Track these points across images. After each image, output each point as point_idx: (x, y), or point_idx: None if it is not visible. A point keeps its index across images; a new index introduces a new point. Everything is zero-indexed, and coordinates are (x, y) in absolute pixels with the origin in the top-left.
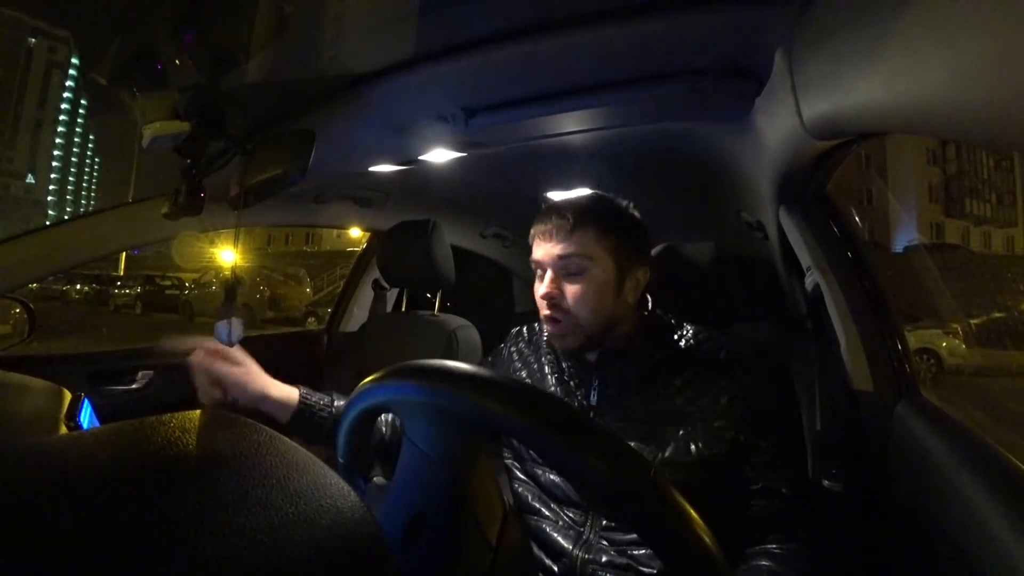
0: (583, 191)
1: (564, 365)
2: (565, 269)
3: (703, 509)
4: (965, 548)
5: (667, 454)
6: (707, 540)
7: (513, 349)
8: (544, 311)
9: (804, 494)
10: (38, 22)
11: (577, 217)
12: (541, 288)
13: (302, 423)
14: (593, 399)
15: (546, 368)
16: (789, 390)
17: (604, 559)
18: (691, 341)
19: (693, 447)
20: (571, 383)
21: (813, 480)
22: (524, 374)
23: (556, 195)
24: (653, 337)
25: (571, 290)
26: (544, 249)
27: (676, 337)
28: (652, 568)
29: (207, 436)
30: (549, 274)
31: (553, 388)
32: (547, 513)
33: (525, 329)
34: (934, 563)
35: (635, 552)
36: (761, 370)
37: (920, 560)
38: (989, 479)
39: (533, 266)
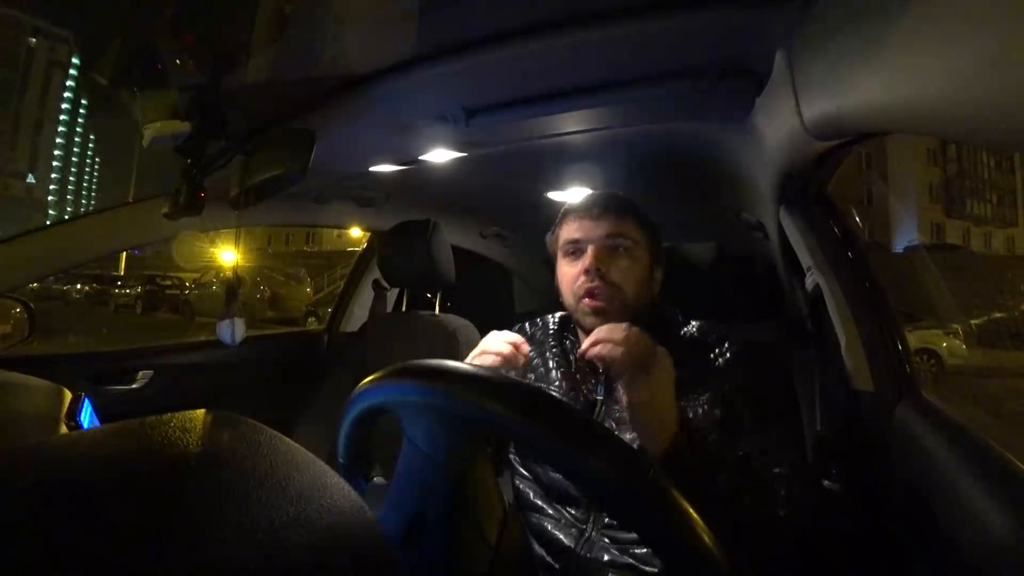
0: (584, 191)
1: (571, 358)
2: (611, 247)
3: (706, 500)
4: (965, 548)
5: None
6: (707, 540)
7: None
8: (585, 285)
9: (804, 478)
10: (38, 22)
11: (621, 206)
12: (582, 263)
13: None
14: (600, 392)
15: (550, 363)
16: (788, 388)
17: (605, 557)
18: (694, 334)
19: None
20: (577, 376)
21: (813, 480)
22: (531, 375)
23: (556, 195)
24: (660, 331)
25: (617, 265)
26: (587, 228)
27: (682, 332)
28: (653, 567)
29: (207, 436)
30: (592, 249)
31: (558, 382)
32: (549, 511)
33: (528, 325)
34: (934, 563)
35: (636, 551)
36: (761, 364)
37: (920, 560)
38: (989, 479)
39: (567, 247)
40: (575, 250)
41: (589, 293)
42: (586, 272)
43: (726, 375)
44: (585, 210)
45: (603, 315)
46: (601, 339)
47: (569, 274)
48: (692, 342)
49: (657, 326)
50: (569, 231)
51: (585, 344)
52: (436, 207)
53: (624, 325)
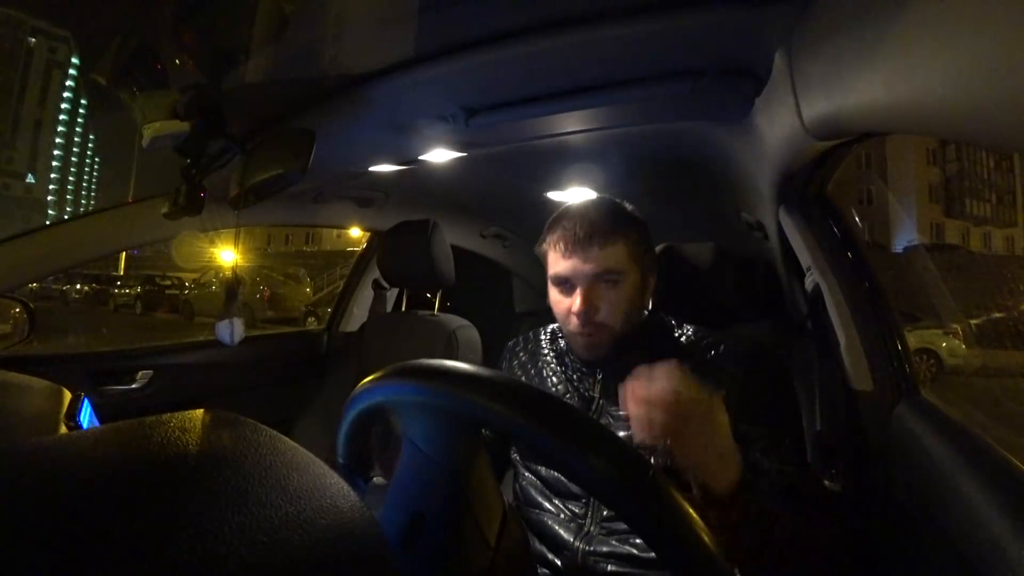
0: (584, 191)
1: (567, 360)
2: (599, 284)
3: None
4: (965, 548)
5: (668, 442)
6: (706, 539)
7: (514, 361)
8: (575, 327)
9: (806, 475)
10: (38, 22)
11: (608, 231)
12: (571, 303)
13: None
14: (596, 391)
15: (544, 371)
16: (787, 385)
17: (605, 549)
18: (691, 338)
19: None
20: (574, 376)
21: (815, 479)
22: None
23: (556, 195)
24: (655, 334)
25: (606, 302)
26: (573, 265)
27: (677, 335)
28: (652, 555)
29: (207, 436)
30: (581, 292)
31: (554, 387)
32: (549, 507)
33: (521, 339)
34: (934, 563)
35: (636, 540)
36: (758, 365)
37: (920, 560)
38: (989, 479)
39: (555, 280)
40: (565, 285)
41: (580, 334)
42: (576, 315)
43: (723, 380)
44: (571, 236)
45: (596, 348)
46: (639, 398)
47: (561, 307)
48: (689, 346)
49: (647, 332)
50: (556, 262)
51: (625, 401)
52: (436, 207)
53: (667, 371)
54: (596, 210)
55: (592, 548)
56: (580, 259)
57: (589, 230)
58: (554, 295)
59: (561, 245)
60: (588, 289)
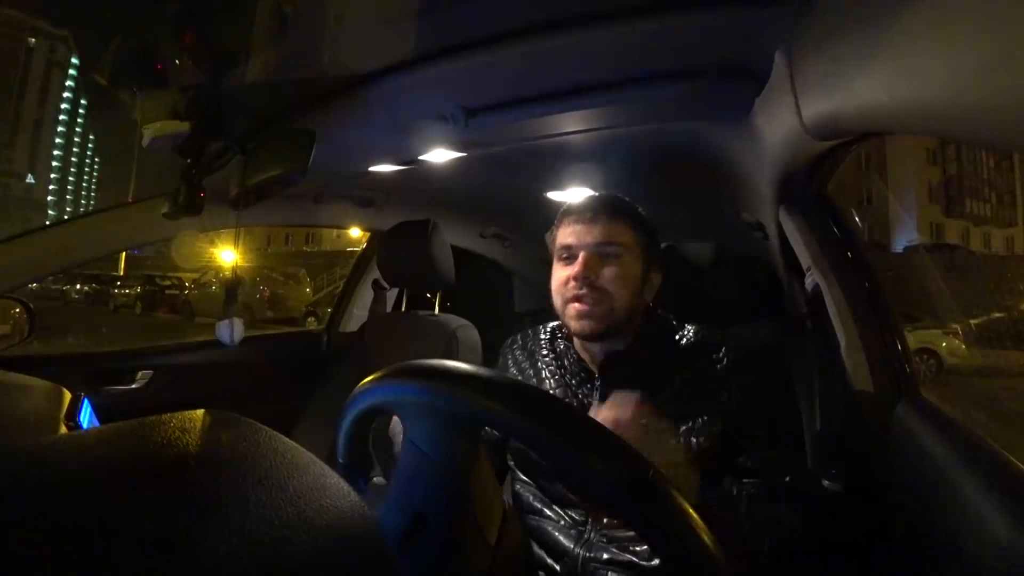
0: (584, 191)
1: (566, 363)
2: (601, 254)
3: (703, 501)
4: (965, 548)
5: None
6: (706, 539)
7: (509, 358)
8: (573, 291)
9: (801, 481)
10: (38, 22)
11: (615, 209)
12: (572, 269)
13: None
14: (595, 397)
15: (543, 372)
16: (787, 388)
17: (605, 556)
18: (691, 340)
19: (694, 441)
20: (572, 382)
21: (813, 480)
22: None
23: (556, 195)
24: (655, 337)
25: (607, 271)
26: (579, 234)
27: (677, 337)
28: (653, 563)
29: (207, 436)
30: (583, 256)
31: (551, 390)
32: (549, 514)
33: (520, 337)
34: (934, 563)
35: (636, 548)
36: (758, 368)
37: (920, 560)
38: (989, 479)
39: (560, 251)
40: (568, 255)
41: (576, 299)
42: (575, 279)
43: (725, 383)
44: (579, 213)
45: (589, 318)
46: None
47: (560, 278)
48: (689, 348)
49: (647, 334)
50: (564, 235)
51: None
52: (436, 207)
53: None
54: (607, 197)
55: (592, 555)
56: (585, 228)
57: (597, 209)
58: (556, 271)
59: (568, 219)
60: (589, 255)
